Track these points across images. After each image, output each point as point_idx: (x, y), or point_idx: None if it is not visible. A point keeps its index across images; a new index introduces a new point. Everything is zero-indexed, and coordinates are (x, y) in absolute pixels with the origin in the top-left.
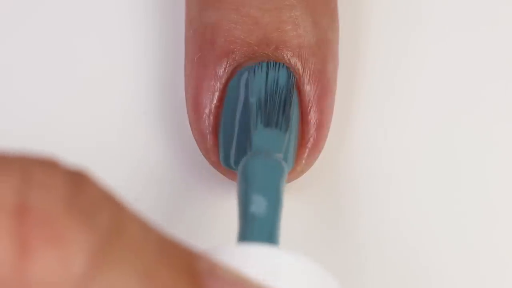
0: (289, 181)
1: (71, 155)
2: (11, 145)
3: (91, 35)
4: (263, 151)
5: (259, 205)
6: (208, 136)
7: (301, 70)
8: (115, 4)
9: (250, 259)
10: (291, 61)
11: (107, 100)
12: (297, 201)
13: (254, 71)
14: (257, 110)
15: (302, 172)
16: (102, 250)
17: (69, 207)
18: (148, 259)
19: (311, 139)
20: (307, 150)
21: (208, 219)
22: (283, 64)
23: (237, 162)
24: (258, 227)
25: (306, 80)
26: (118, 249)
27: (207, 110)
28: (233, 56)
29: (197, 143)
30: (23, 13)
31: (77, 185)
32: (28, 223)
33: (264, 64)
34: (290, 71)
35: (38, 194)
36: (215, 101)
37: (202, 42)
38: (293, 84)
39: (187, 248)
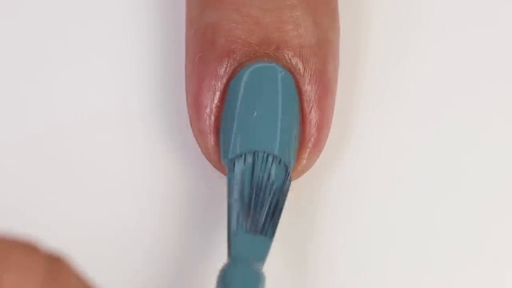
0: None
1: (71, 153)
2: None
3: (92, 35)
4: (243, 260)
5: None
6: (209, 136)
7: (302, 70)
8: (116, 5)
9: None
10: (292, 61)
11: (108, 100)
12: (297, 200)
13: (234, 163)
14: (240, 212)
15: (303, 172)
16: None
17: None
18: None
19: (312, 139)
20: (308, 150)
21: (209, 218)
22: (276, 157)
23: None
24: None
25: (307, 80)
26: None
27: (208, 110)
28: (234, 56)
29: (197, 142)
30: (22, 14)
31: (53, 271)
32: None
33: (250, 156)
34: (284, 166)
35: (13, 277)
36: (216, 101)
37: (203, 42)
38: (289, 184)
39: None
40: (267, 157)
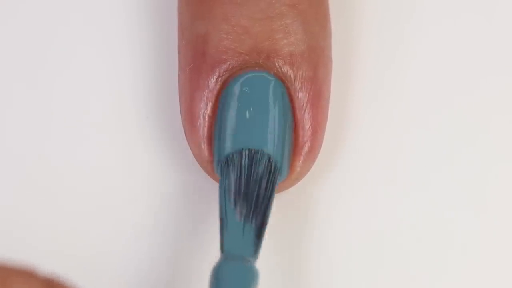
0: (284, 189)
1: (67, 161)
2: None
3: (87, 44)
4: (236, 255)
5: None
6: (202, 146)
7: (292, 78)
8: (112, 12)
9: None
10: (283, 69)
11: (103, 107)
12: (292, 208)
13: (228, 161)
14: (230, 204)
15: (297, 179)
16: None
17: None
18: None
19: (306, 146)
20: (301, 157)
21: (204, 222)
22: (263, 152)
23: None
24: None
25: (298, 88)
26: None
27: (200, 121)
28: (225, 66)
29: (192, 152)
30: (16, 18)
31: None
32: None
33: (245, 153)
34: (271, 161)
35: None
36: (208, 112)
37: (194, 52)
38: (276, 177)
39: None
40: (254, 152)
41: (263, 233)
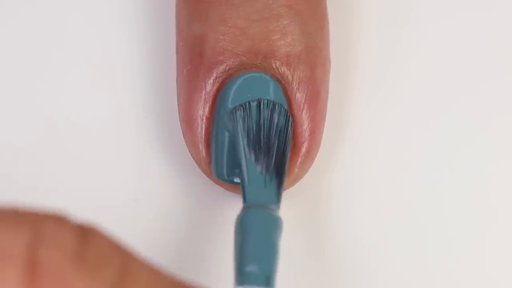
0: (283, 189)
1: (65, 160)
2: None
3: (85, 46)
4: (259, 204)
5: (254, 266)
6: (200, 147)
7: (290, 79)
8: (110, 15)
9: None
10: (280, 70)
11: (102, 109)
12: (291, 209)
13: (243, 108)
14: (250, 154)
15: (296, 180)
16: None
17: (78, 261)
18: None
19: (304, 147)
20: (300, 158)
21: (204, 226)
22: (276, 103)
23: (229, 174)
24: (253, 281)
25: (295, 88)
26: None
27: (198, 122)
28: (222, 67)
29: (190, 153)
30: (16, 20)
31: (85, 240)
32: (38, 278)
33: (255, 103)
34: (287, 114)
35: (48, 249)
36: (206, 113)
37: (191, 54)
38: (290, 122)
39: None
40: (267, 102)
41: (284, 182)
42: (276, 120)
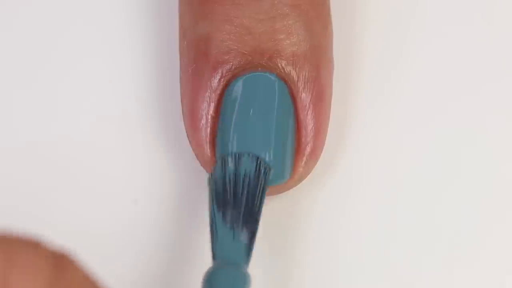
0: (286, 189)
1: (68, 160)
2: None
3: (88, 45)
4: (227, 262)
5: None
6: (205, 147)
7: (295, 78)
8: (113, 13)
9: None
10: (286, 69)
11: (106, 109)
12: (295, 209)
13: (214, 167)
14: (220, 208)
15: (300, 180)
16: None
17: None
18: None
19: (308, 147)
20: (304, 157)
21: (205, 225)
22: (249, 154)
23: None
24: None
25: (301, 88)
26: None
27: (203, 121)
28: (228, 67)
29: (195, 153)
30: (17, 20)
31: (59, 269)
32: None
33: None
34: (257, 159)
35: (20, 276)
36: (211, 112)
37: (196, 53)
38: (266, 179)
39: None
40: (239, 156)
41: (254, 238)
42: (245, 174)
